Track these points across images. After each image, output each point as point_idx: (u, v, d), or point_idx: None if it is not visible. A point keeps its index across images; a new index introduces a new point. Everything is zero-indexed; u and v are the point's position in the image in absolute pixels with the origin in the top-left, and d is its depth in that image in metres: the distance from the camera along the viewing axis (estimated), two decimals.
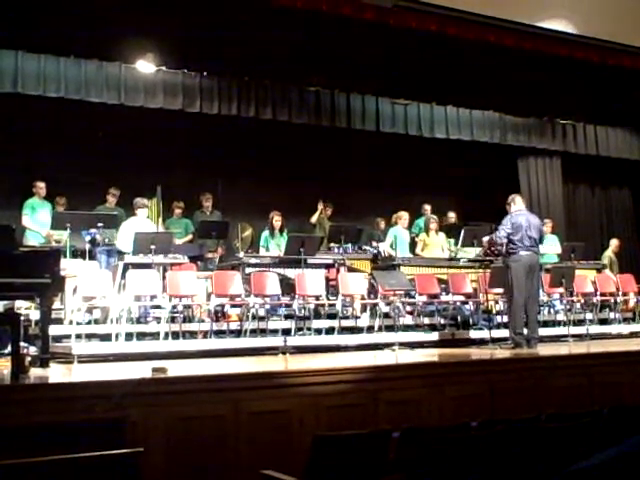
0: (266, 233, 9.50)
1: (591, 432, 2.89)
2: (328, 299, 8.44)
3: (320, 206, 10.94)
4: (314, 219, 10.94)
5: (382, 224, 11.10)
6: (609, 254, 11.77)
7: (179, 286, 7.68)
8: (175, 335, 7.35)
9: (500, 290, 8.65)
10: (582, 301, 10.02)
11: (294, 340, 7.54)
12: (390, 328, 8.19)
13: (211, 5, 8.94)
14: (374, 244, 10.38)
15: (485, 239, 8.14)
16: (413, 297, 8.80)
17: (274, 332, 7.87)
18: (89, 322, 7.53)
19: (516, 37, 10.11)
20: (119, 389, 4.17)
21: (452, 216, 11.55)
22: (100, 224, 8.16)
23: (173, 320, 7.53)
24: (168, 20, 8.98)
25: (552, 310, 9.98)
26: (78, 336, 6.88)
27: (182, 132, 10.80)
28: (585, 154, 13.58)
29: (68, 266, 7.26)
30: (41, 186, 8.96)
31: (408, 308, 8.95)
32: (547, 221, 11.37)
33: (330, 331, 8.15)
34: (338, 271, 8.85)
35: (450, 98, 12.08)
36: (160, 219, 9.59)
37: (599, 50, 10.67)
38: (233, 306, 8.11)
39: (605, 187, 14.63)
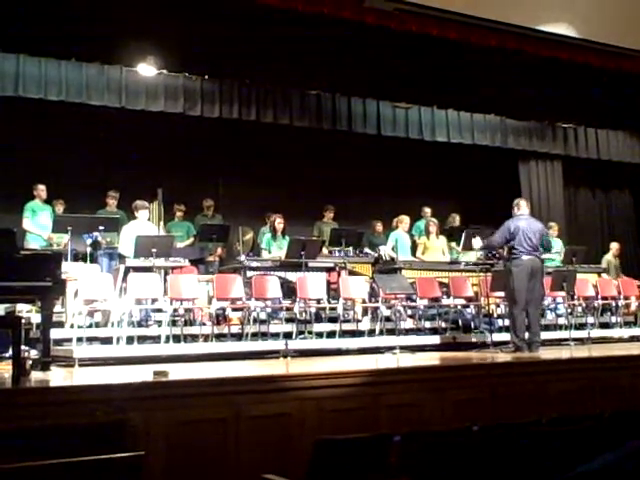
0: (268, 235, 9.49)
1: (592, 436, 2.88)
2: (329, 302, 8.43)
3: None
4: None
5: (379, 227, 11.08)
6: (609, 257, 11.75)
7: (180, 289, 7.68)
8: (176, 338, 7.35)
9: (501, 294, 8.65)
10: (583, 305, 10.01)
11: (295, 344, 7.52)
12: (391, 332, 8.19)
13: (212, 9, 8.97)
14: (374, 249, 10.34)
15: (478, 245, 8.15)
16: (414, 301, 8.79)
17: (275, 336, 7.86)
18: (90, 325, 7.51)
19: (517, 41, 10.12)
20: (120, 393, 4.17)
21: (456, 218, 11.48)
22: (101, 227, 8.15)
23: (174, 323, 7.54)
24: (169, 23, 9.01)
25: (553, 314, 9.96)
26: (79, 339, 6.88)
27: (183, 135, 10.81)
28: (586, 157, 13.61)
29: (69, 269, 7.26)
30: (42, 189, 8.94)
31: (409, 312, 8.94)
32: (552, 224, 11.36)
33: (331, 335, 8.14)
34: (339, 274, 8.85)
35: (451, 101, 12.10)
36: (161, 222, 9.59)
37: (599, 53, 10.68)
38: (234, 309, 8.10)
39: (606, 190, 14.63)
